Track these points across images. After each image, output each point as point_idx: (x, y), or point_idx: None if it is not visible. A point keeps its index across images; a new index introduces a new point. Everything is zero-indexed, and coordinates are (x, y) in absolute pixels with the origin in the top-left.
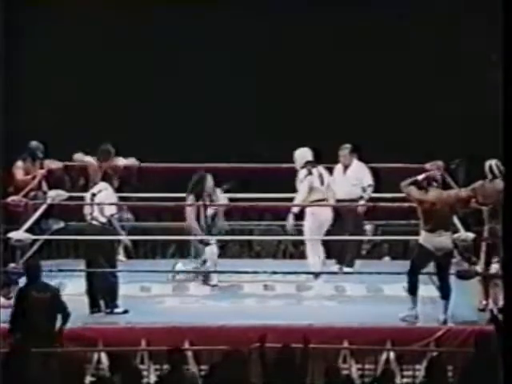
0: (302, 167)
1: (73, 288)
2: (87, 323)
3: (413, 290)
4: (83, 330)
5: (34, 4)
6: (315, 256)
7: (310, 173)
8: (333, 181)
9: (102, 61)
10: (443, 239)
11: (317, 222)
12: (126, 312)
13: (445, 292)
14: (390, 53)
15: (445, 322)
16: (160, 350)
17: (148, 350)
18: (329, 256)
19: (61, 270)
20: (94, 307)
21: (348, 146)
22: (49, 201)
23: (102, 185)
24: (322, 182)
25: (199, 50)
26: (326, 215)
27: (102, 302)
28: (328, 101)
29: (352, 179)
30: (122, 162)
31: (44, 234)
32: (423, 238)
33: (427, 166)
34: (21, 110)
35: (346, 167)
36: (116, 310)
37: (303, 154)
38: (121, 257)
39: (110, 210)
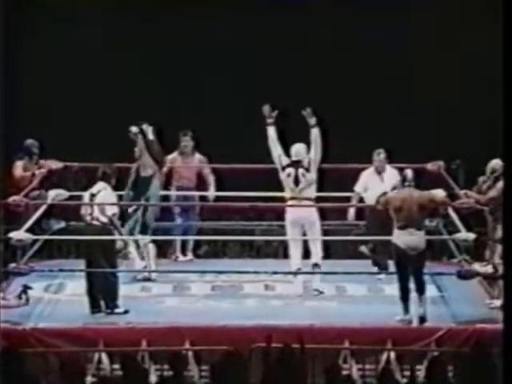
0: (291, 163)
1: (73, 288)
2: (88, 323)
3: (402, 296)
4: (84, 330)
5: (34, 4)
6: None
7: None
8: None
9: (102, 61)
10: (415, 238)
11: (291, 220)
12: (126, 312)
13: (419, 289)
14: (390, 53)
15: (423, 318)
16: (161, 350)
17: (148, 351)
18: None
19: (61, 270)
20: (95, 307)
21: (382, 150)
22: (49, 200)
23: (101, 184)
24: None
25: (199, 51)
26: (300, 213)
27: (102, 303)
28: (328, 101)
29: (390, 185)
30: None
31: (45, 234)
32: (395, 235)
33: (428, 166)
34: (21, 110)
35: (379, 172)
36: (116, 310)
37: (299, 151)
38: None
39: (112, 210)
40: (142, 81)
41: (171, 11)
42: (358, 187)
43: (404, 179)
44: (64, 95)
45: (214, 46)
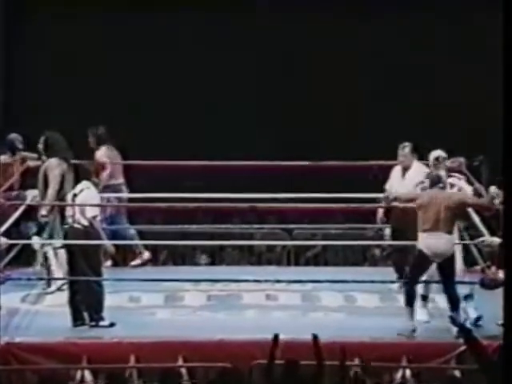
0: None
1: (53, 298)
2: (70, 337)
3: (409, 300)
4: (65, 345)
5: (34, 5)
6: None
7: None
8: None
9: (102, 61)
10: (441, 242)
11: None
12: (112, 325)
13: (451, 303)
14: (398, 53)
15: (458, 336)
16: (151, 367)
17: (137, 367)
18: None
19: (40, 279)
20: (78, 320)
21: (408, 144)
22: (27, 201)
23: (84, 183)
24: None
25: (199, 51)
26: None
27: (85, 314)
28: (333, 102)
29: (413, 182)
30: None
31: (23, 239)
32: (420, 239)
33: (448, 162)
34: (21, 110)
35: (405, 169)
36: (101, 323)
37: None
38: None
39: (92, 212)
40: (141, 80)
41: (171, 11)
42: (387, 185)
43: (438, 180)
44: (64, 95)
45: (216, 46)
